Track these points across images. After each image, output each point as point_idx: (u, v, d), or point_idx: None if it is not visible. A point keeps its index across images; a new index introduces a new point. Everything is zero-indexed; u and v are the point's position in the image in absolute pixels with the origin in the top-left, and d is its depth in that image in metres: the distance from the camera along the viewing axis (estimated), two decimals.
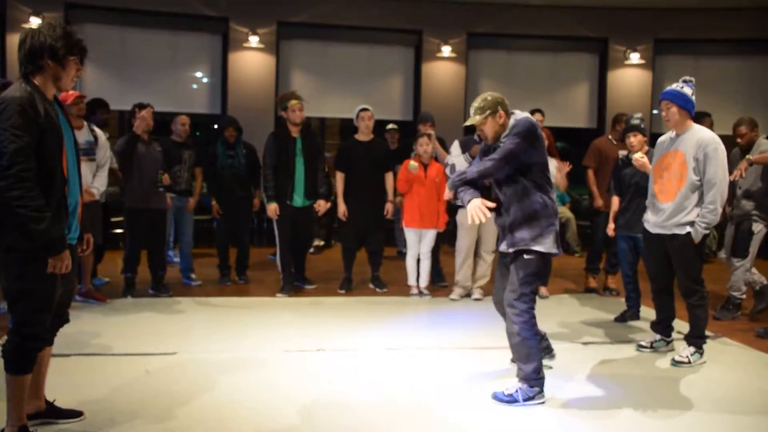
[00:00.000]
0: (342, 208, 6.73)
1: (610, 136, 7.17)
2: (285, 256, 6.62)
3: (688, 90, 4.55)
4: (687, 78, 4.61)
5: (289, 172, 6.47)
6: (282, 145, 6.47)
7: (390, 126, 9.03)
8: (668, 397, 4.01)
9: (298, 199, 6.56)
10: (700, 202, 4.49)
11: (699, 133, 4.53)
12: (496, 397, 3.86)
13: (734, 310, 5.98)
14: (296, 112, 6.46)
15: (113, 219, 7.42)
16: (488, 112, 3.84)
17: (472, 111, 3.92)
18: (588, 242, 7.41)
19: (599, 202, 6.89)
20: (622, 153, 6.58)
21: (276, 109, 10.48)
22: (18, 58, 3.05)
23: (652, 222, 4.72)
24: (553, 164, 6.61)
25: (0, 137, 2.83)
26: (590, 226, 7.36)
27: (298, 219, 6.63)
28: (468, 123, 3.96)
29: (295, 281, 6.83)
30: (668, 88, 4.65)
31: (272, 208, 6.45)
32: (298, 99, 6.53)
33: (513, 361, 4.13)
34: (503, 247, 3.97)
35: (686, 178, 4.49)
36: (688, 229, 4.50)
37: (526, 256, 3.83)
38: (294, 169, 6.49)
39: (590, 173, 7.02)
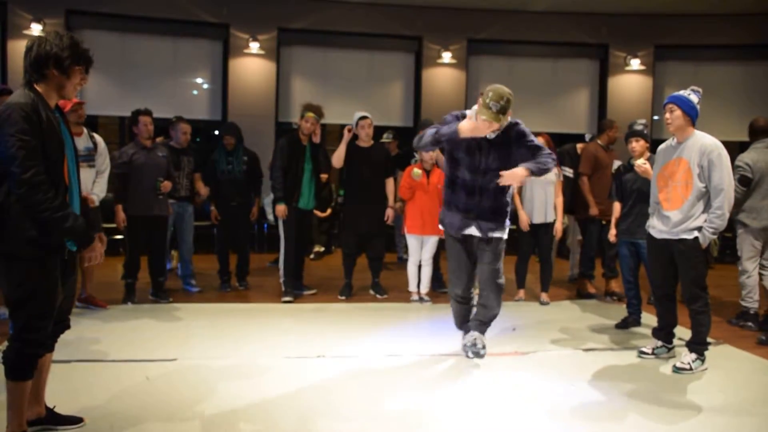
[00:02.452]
0: None
1: (599, 142, 7.16)
2: (290, 258, 6.64)
3: (694, 98, 4.58)
4: (695, 87, 4.65)
5: (297, 176, 6.58)
6: (293, 149, 6.57)
7: (385, 137, 8.99)
8: (670, 404, 3.99)
9: (304, 201, 6.67)
10: (707, 208, 4.50)
11: (702, 139, 4.53)
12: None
13: (741, 318, 5.94)
14: (307, 124, 6.61)
15: (108, 225, 7.37)
16: (510, 111, 4.28)
17: (497, 108, 4.21)
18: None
19: (595, 210, 6.90)
20: (617, 163, 6.60)
21: (277, 115, 10.52)
22: (23, 65, 3.04)
23: (657, 228, 4.72)
24: (552, 171, 6.61)
25: (8, 143, 2.83)
26: (582, 233, 7.34)
27: (302, 222, 6.69)
28: (502, 123, 4.30)
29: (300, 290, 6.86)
30: (675, 93, 4.67)
31: (281, 209, 6.53)
32: (315, 113, 6.63)
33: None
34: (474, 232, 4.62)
35: (692, 186, 4.49)
36: (696, 233, 4.50)
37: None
38: (302, 173, 6.61)
39: (585, 180, 7.01)
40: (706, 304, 4.64)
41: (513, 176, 4.30)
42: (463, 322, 4.94)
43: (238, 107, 10.29)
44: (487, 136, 4.38)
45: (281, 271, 6.70)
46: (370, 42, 10.95)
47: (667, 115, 4.61)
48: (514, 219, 6.73)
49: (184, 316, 5.91)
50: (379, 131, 7.31)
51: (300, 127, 6.67)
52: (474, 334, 4.69)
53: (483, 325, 4.76)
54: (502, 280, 4.69)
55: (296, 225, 6.65)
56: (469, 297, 4.86)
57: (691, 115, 4.55)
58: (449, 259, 4.80)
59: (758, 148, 5.92)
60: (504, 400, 3.99)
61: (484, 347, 4.65)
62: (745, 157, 5.86)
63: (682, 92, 4.61)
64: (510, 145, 4.47)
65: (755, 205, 5.84)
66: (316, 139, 6.70)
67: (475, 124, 4.24)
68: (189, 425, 3.50)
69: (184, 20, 10.27)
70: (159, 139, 7.05)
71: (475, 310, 4.87)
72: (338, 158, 6.70)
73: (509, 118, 4.41)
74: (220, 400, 3.86)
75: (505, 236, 4.65)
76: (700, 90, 4.63)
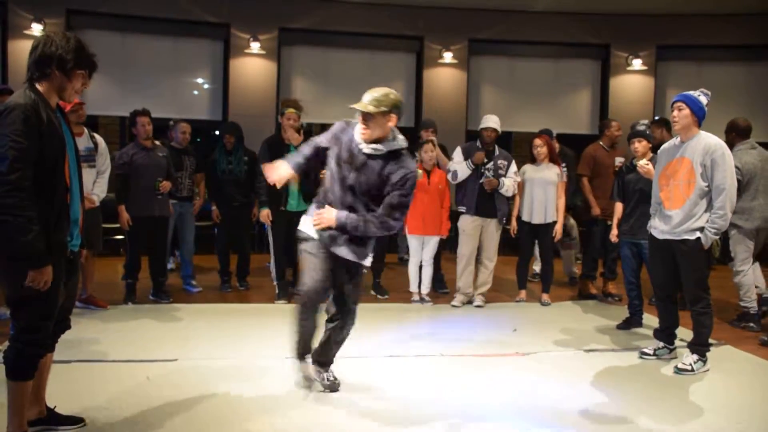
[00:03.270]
0: None
1: (601, 143, 7.15)
2: (280, 262, 6.60)
3: (703, 99, 4.60)
4: (704, 90, 4.66)
5: None
6: (275, 151, 6.39)
7: None
8: (671, 405, 3.98)
9: (293, 203, 6.50)
10: (709, 207, 4.49)
11: (705, 139, 4.53)
12: None
13: (742, 319, 5.96)
14: (289, 122, 6.43)
15: (108, 225, 7.36)
16: (384, 108, 3.65)
17: (367, 98, 3.67)
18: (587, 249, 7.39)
19: (596, 210, 6.89)
20: (620, 160, 6.58)
21: (277, 116, 10.49)
22: (27, 62, 3.03)
23: (659, 228, 4.71)
24: (554, 171, 6.62)
25: (1, 142, 2.81)
26: (586, 234, 7.33)
27: (294, 224, 6.62)
28: (357, 107, 3.66)
29: (293, 288, 6.83)
30: (684, 92, 4.66)
31: (264, 214, 6.45)
32: (295, 108, 6.51)
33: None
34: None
35: (695, 185, 4.49)
36: (698, 234, 4.49)
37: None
38: None
39: (585, 182, 7.01)
40: (708, 305, 4.63)
41: (327, 218, 3.74)
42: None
43: (239, 107, 10.26)
44: (363, 149, 3.71)
45: (273, 274, 6.67)
46: (371, 42, 10.92)
47: (675, 113, 4.60)
48: (509, 220, 6.76)
49: (185, 317, 5.90)
50: None
51: (282, 126, 6.49)
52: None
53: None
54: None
55: (286, 228, 6.45)
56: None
57: (699, 116, 4.56)
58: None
59: (743, 149, 5.94)
60: (505, 401, 3.98)
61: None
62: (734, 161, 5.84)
63: (691, 92, 4.61)
64: (389, 174, 3.70)
65: (746, 206, 5.84)
66: (296, 141, 6.36)
67: (274, 167, 3.81)
68: (189, 425, 3.49)
69: (184, 20, 10.24)
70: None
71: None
72: None
73: (400, 139, 3.79)
74: (221, 400, 3.85)
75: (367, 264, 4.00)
76: (710, 93, 4.64)
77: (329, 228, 3.77)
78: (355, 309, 4.03)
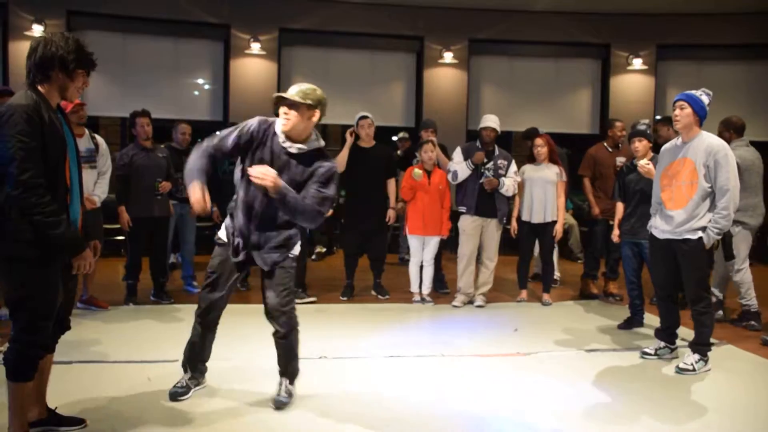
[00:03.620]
0: None
1: (605, 144, 7.15)
2: None
3: (705, 98, 4.60)
4: (706, 90, 4.66)
5: None
6: None
7: (401, 134, 9.02)
8: (673, 405, 3.98)
9: None
10: (712, 207, 4.49)
11: (708, 139, 4.53)
12: None
13: (744, 318, 5.94)
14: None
15: (109, 226, 7.35)
16: (310, 102, 3.64)
17: (294, 89, 3.67)
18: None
19: (596, 210, 6.90)
20: (620, 160, 6.58)
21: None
22: (26, 65, 3.04)
23: (660, 228, 4.70)
24: (553, 171, 6.62)
25: (7, 144, 2.83)
26: (588, 233, 7.34)
27: None
28: (283, 95, 3.66)
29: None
30: (686, 92, 4.66)
31: None
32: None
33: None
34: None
35: (697, 186, 4.48)
36: (700, 234, 4.49)
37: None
38: None
39: (586, 182, 7.03)
40: (709, 305, 4.63)
41: (265, 175, 3.47)
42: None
43: (240, 108, 10.25)
44: (289, 149, 3.65)
45: None
46: (371, 42, 10.93)
47: (677, 111, 4.60)
48: (510, 220, 6.76)
49: (186, 317, 5.87)
50: (380, 132, 7.29)
51: None
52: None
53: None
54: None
55: None
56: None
57: (700, 116, 4.56)
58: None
59: (740, 146, 5.93)
60: (506, 401, 3.98)
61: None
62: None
63: (693, 92, 4.61)
64: (315, 169, 3.68)
65: (750, 203, 5.82)
66: None
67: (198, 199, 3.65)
68: (190, 426, 3.50)
69: (185, 21, 10.26)
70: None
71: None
72: (340, 163, 6.61)
73: (320, 139, 3.80)
74: (221, 400, 3.86)
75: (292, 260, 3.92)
76: (711, 93, 4.64)
77: (267, 191, 3.55)
78: (287, 310, 3.80)
